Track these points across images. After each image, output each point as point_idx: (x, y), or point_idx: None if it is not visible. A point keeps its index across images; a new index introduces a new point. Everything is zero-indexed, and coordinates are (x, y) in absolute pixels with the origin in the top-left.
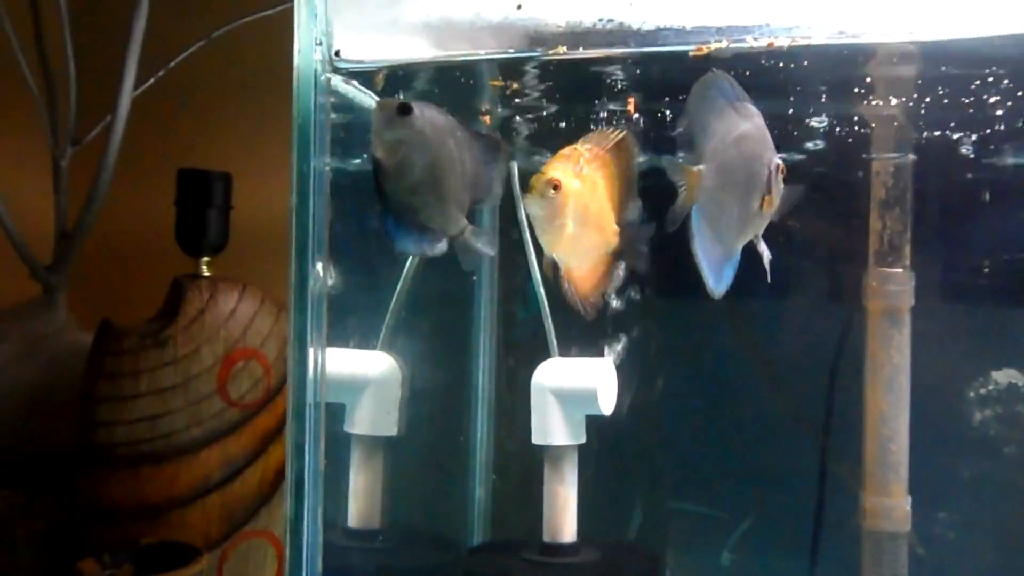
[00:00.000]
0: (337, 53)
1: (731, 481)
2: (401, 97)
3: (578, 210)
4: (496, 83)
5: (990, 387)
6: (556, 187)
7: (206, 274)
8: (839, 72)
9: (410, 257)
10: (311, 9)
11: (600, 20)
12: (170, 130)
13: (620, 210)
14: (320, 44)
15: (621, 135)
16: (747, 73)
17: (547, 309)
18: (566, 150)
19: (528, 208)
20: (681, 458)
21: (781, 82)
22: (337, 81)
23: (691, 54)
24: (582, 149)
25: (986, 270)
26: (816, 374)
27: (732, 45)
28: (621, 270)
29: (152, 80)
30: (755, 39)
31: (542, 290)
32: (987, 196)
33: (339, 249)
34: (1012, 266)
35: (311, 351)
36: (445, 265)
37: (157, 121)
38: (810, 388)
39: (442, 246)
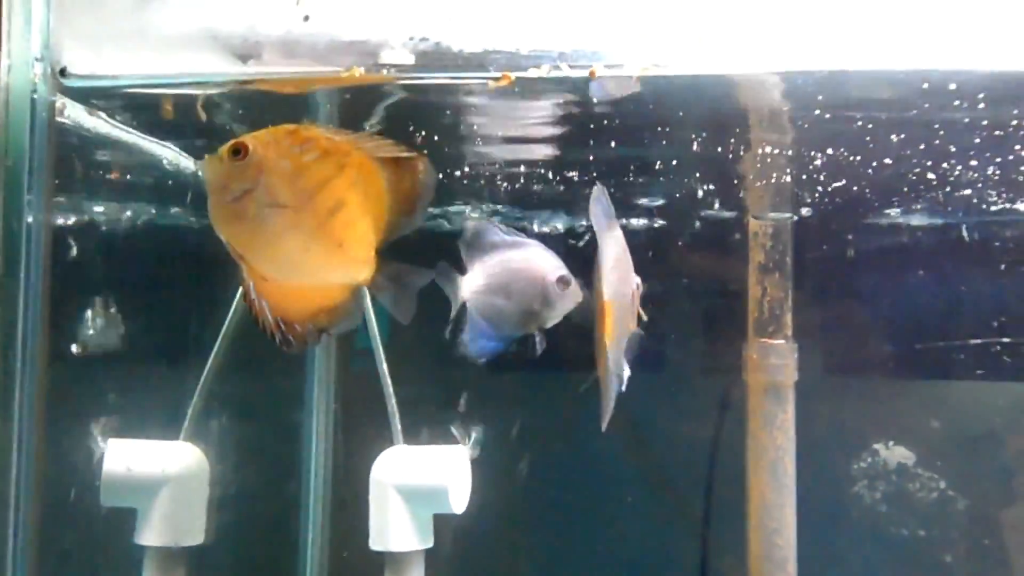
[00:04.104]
0: (63, 71)
1: None
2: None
3: (280, 195)
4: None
5: (879, 468)
6: (239, 152)
7: None
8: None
9: (223, 328)
10: (26, 17)
11: (412, 39)
12: None
13: (387, 234)
14: (41, 60)
15: (411, 153)
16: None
17: (390, 388)
18: (288, 126)
19: (201, 170)
20: (548, 555)
21: (639, 124)
22: (76, 110)
23: (491, 85)
24: (317, 132)
25: (874, 339)
26: (695, 456)
27: (551, 74)
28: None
29: None
30: (570, 66)
31: (384, 367)
32: (876, 259)
33: (130, 318)
34: (905, 334)
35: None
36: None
37: None
38: (689, 472)
39: None
